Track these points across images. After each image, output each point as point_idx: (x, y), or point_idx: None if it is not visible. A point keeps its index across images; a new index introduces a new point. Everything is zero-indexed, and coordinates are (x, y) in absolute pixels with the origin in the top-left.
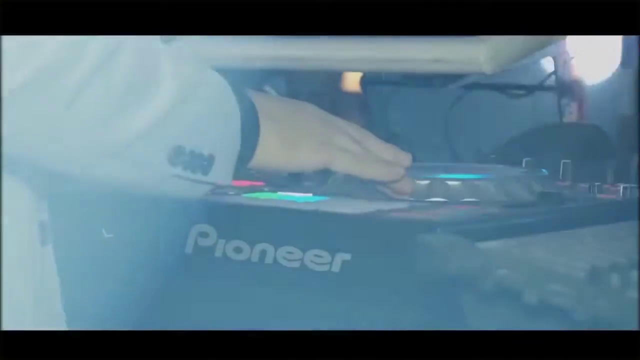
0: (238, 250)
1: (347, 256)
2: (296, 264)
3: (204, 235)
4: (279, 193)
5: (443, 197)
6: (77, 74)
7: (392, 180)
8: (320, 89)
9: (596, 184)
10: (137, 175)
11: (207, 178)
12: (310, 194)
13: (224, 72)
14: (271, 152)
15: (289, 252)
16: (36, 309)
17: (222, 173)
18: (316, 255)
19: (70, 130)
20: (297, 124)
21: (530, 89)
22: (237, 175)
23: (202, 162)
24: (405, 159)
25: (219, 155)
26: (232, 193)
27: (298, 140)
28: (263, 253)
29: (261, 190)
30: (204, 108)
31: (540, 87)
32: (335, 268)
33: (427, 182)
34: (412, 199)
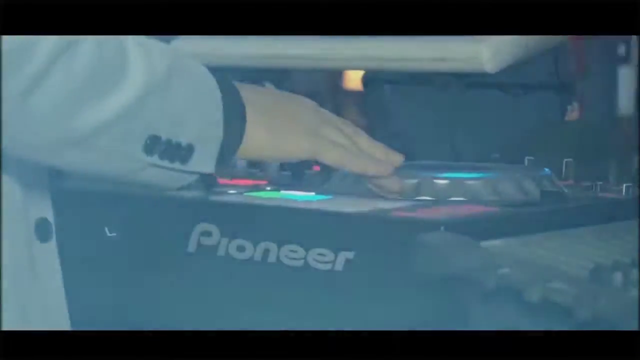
0: (241, 249)
1: (350, 255)
2: (299, 263)
3: (207, 234)
4: (282, 192)
5: (432, 196)
6: (34, 64)
7: (379, 176)
8: (321, 87)
9: (599, 182)
10: (112, 164)
11: (187, 167)
12: (313, 193)
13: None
14: (258, 142)
15: (292, 251)
16: (37, 304)
17: (202, 162)
18: (319, 254)
19: (30, 120)
20: (286, 115)
21: (532, 88)
22: (231, 169)
23: (180, 152)
24: (396, 158)
25: (199, 144)
26: (235, 192)
27: (286, 130)
28: (266, 252)
29: (264, 189)
30: (180, 98)
31: (543, 85)
32: (339, 267)
33: (415, 180)
34: (400, 197)
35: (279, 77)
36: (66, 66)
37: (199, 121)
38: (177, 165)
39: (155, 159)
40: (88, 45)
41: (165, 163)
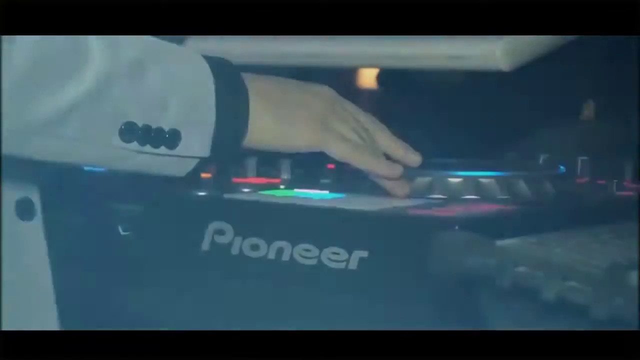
0: (255, 247)
1: (364, 253)
2: (313, 262)
3: (221, 232)
4: (296, 190)
5: (446, 194)
6: None
7: (386, 177)
8: (336, 86)
9: (614, 180)
10: (89, 151)
11: (177, 152)
12: (327, 191)
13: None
14: (264, 130)
15: (306, 250)
16: (19, 279)
17: (194, 147)
18: (333, 253)
19: None
20: (294, 104)
21: (548, 85)
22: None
23: (162, 137)
24: (414, 158)
25: (187, 129)
26: (248, 190)
27: (293, 119)
28: (280, 250)
29: (277, 188)
30: (159, 84)
31: (558, 83)
32: (353, 265)
33: (429, 178)
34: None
35: (296, 76)
36: (7, 58)
37: (183, 107)
38: (163, 150)
39: (134, 145)
40: (27, 41)
41: (148, 149)
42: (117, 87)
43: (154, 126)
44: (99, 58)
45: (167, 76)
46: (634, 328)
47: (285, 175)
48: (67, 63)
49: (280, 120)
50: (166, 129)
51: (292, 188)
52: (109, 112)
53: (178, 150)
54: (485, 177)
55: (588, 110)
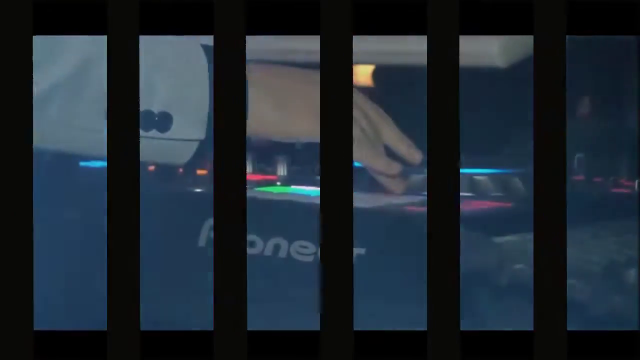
0: (251, 244)
1: (361, 250)
2: (310, 259)
3: None
4: (292, 187)
5: None
6: None
7: (384, 174)
8: None
9: (610, 178)
10: (75, 135)
11: (169, 135)
12: None
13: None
14: (263, 119)
15: (303, 246)
16: None
17: (188, 129)
18: None
19: None
20: (295, 95)
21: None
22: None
23: (151, 120)
24: (416, 157)
25: (179, 112)
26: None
27: (292, 109)
28: (276, 247)
29: (274, 184)
30: (144, 68)
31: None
32: None
33: (424, 175)
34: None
35: None
36: None
37: (174, 90)
38: (154, 133)
39: None
40: None
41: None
42: (98, 71)
43: (141, 109)
44: (79, 45)
45: (155, 60)
46: (633, 326)
47: (282, 172)
48: (45, 50)
49: (279, 111)
50: (156, 111)
51: (288, 184)
52: (92, 95)
53: (172, 133)
54: (481, 174)
55: (584, 107)
